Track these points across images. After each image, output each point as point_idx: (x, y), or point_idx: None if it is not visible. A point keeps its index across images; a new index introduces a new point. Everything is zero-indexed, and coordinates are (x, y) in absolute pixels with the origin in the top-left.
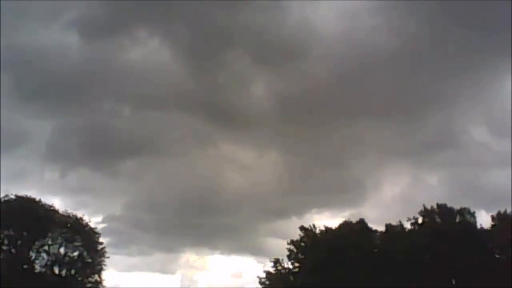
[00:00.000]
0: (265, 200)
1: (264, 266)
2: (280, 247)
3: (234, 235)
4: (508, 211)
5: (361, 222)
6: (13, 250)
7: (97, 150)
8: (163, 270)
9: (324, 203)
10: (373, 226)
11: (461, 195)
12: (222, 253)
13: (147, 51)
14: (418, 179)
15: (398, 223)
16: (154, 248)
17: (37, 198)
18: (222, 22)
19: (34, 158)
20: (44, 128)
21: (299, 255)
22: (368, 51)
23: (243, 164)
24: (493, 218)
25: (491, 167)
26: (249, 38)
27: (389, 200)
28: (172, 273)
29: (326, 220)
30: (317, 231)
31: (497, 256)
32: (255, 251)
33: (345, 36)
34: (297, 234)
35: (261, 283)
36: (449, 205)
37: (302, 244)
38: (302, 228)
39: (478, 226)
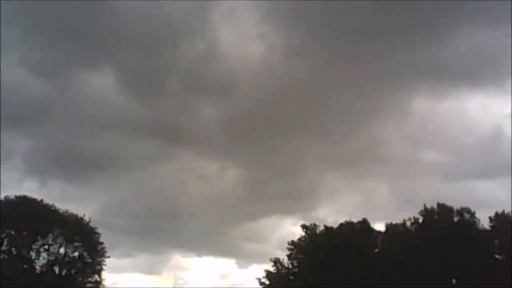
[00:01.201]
0: (227, 206)
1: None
2: (246, 248)
3: (201, 238)
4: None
5: (364, 222)
6: (13, 250)
7: (70, 165)
8: (149, 271)
9: (281, 209)
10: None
11: (396, 203)
12: (198, 255)
13: (99, 83)
14: (355, 186)
15: (400, 222)
16: (136, 250)
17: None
18: (164, 59)
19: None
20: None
21: (299, 255)
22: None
23: (204, 175)
24: (491, 219)
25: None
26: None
27: (337, 205)
28: (158, 273)
29: (284, 224)
30: (317, 231)
31: (497, 256)
32: (226, 252)
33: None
34: (261, 238)
35: (260, 283)
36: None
37: (302, 243)
38: (303, 226)
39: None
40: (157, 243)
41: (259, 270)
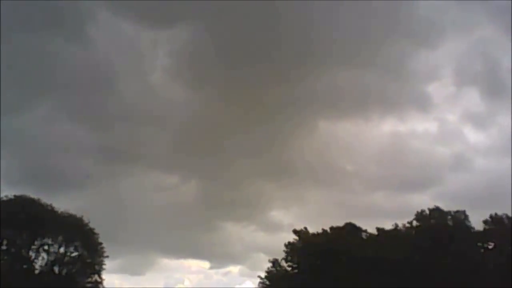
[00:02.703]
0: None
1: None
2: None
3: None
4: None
5: (350, 224)
6: (13, 250)
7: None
8: (132, 272)
9: (236, 216)
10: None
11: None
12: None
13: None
14: (296, 196)
15: (393, 226)
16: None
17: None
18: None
19: None
20: None
21: (295, 257)
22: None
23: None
24: (485, 221)
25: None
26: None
27: (280, 211)
28: (142, 274)
29: (241, 229)
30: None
31: (491, 258)
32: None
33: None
34: (226, 242)
35: (261, 283)
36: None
37: (296, 246)
38: (295, 231)
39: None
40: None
41: (235, 270)
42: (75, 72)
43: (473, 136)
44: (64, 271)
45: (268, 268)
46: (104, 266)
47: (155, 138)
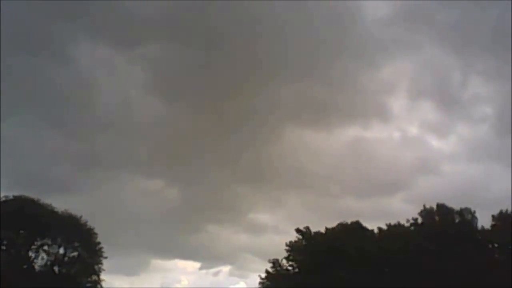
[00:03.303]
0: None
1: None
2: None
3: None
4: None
5: (357, 223)
6: (12, 250)
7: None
8: (127, 273)
9: (218, 219)
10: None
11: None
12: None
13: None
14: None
15: (397, 223)
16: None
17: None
18: None
19: None
20: None
21: (297, 257)
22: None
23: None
24: (493, 217)
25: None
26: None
27: (260, 214)
28: (137, 274)
29: (224, 231)
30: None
31: (497, 256)
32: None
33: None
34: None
35: (261, 283)
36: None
37: (299, 245)
38: (297, 230)
39: (479, 226)
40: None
41: (225, 270)
42: (59, 89)
43: (435, 143)
44: (64, 271)
45: (271, 267)
46: (103, 267)
47: (135, 147)
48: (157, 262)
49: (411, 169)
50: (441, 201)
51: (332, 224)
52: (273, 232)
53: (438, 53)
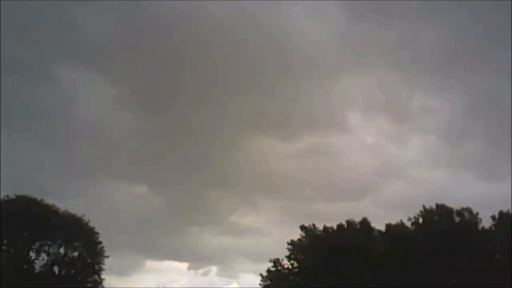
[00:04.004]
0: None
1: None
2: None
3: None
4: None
5: (364, 221)
6: (13, 250)
7: None
8: (120, 273)
9: (200, 221)
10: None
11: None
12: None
13: None
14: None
15: (399, 223)
16: None
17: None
18: None
19: None
20: None
21: (299, 255)
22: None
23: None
24: (493, 218)
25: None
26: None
27: (238, 217)
28: (129, 275)
29: (207, 233)
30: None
31: (497, 256)
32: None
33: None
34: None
35: (261, 283)
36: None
37: (302, 244)
38: (302, 227)
39: (480, 226)
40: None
41: (213, 270)
42: (42, 105)
43: (394, 151)
44: (64, 272)
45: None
46: (103, 266)
47: (114, 155)
48: (149, 263)
49: (376, 174)
50: (409, 204)
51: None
52: (257, 234)
53: (386, 71)
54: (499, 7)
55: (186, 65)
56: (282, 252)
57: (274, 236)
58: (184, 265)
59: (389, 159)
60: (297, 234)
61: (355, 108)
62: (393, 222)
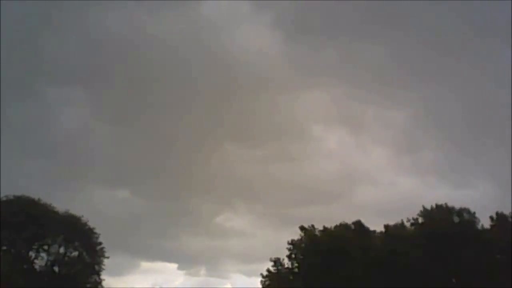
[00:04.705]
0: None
1: None
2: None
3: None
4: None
5: (358, 223)
6: (13, 250)
7: None
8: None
9: (184, 224)
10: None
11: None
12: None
13: None
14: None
15: (399, 223)
16: None
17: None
18: None
19: None
20: None
21: (299, 255)
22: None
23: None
24: (492, 218)
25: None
26: None
27: (221, 220)
28: (122, 275)
29: (191, 235)
30: (316, 231)
31: (497, 256)
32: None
33: None
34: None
35: (262, 282)
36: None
37: (302, 244)
38: (302, 228)
39: (479, 226)
40: None
41: (202, 270)
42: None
43: (357, 159)
44: (64, 271)
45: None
46: (103, 267)
47: (96, 163)
48: (141, 264)
49: (344, 180)
50: (378, 208)
51: (284, 230)
52: (240, 236)
53: (336, 88)
54: (443, 20)
55: (154, 81)
56: (268, 253)
57: (257, 238)
58: (172, 266)
59: (355, 166)
60: (279, 236)
61: (315, 120)
62: (369, 226)
